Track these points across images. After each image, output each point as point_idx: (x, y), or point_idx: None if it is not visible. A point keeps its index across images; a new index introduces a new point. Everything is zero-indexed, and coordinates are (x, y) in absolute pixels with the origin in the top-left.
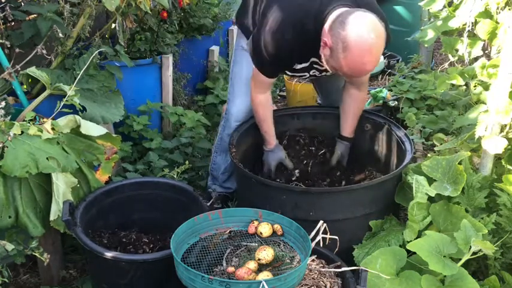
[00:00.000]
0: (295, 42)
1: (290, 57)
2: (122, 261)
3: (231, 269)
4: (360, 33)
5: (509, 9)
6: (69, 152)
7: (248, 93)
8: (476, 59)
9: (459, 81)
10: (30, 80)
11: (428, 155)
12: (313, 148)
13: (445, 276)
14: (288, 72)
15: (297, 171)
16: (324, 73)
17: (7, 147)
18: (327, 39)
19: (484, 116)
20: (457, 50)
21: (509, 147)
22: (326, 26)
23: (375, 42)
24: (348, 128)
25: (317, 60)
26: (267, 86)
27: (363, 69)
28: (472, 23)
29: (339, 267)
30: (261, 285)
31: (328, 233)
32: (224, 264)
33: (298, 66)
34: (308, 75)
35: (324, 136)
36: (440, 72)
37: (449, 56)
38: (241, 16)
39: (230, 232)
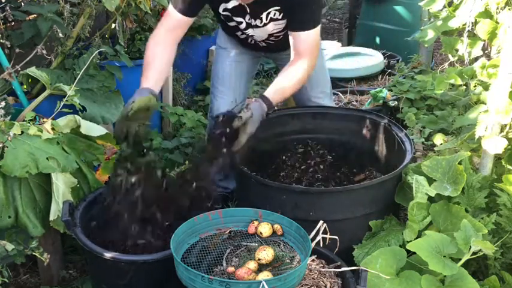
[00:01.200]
0: None
1: None
2: (122, 261)
3: (231, 269)
4: None
5: (509, 9)
6: (69, 152)
7: (225, 93)
8: (476, 59)
9: (458, 81)
10: (30, 80)
11: (428, 155)
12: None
13: (445, 276)
14: (225, 14)
15: None
16: (264, 30)
17: (7, 147)
18: None
19: (484, 116)
20: (457, 50)
21: (509, 147)
22: None
23: None
24: (270, 89)
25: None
26: (174, 24)
27: None
28: (472, 23)
29: (339, 267)
30: (261, 285)
31: (328, 233)
32: (224, 264)
33: (230, 5)
34: (245, 24)
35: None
36: (440, 72)
37: (449, 56)
38: None
39: (230, 232)
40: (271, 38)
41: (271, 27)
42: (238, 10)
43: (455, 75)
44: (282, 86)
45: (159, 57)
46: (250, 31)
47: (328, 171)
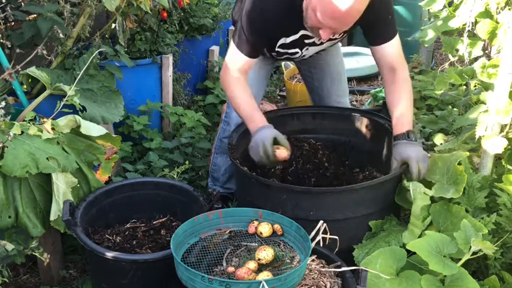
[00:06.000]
0: (281, 8)
1: (276, 27)
2: (123, 261)
3: (231, 269)
4: None
5: (509, 9)
6: (69, 152)
7: None
8: (476, 59)
9: (458, 80)
10: (30, 80)
11: (428, 155)
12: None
13: (445, 276)
14: (279, 50)
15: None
16: (318, 48)
17: (7, 147)
18: None
19: (484, 116)
20: (457, 50)
21: (509, 147)
22: None
23: None
24: (405, 120)
25: (307, 33)
26: (245, 68)
27: (345, 11)
28: (472, 23)
29: (339, 267)
30: (261, 285)
31: (328, 233)
32: (224, 264)
33: (288, 40)
34: (300, 53)
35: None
36: (440, 72)
37: (449, 56)
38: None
39: (230, 232)
40: (319, 52)
41: (326, 45)
42: (297, 42)
43: (455, 75)
44: (409, 111)
45: (251, 98)
46: (299, 54)
47: (329, 171)
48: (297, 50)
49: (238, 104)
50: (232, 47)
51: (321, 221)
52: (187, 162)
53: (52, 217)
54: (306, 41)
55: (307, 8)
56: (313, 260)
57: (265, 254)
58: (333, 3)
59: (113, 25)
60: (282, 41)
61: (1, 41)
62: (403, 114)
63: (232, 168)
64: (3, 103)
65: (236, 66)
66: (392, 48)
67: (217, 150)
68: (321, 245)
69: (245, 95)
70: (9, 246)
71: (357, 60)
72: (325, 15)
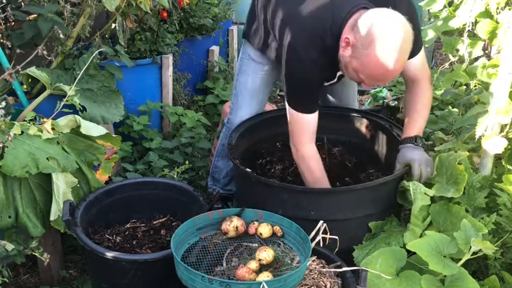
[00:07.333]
0: (322, 60)
1: (321, 77)
2: (123, 261)
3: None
4: (387, 27)
5: (509, 9)
6: (69, 152)
7: (252, 105)
8: (476, 59)
9: (466, 80)
10: (30, 80)
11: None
12: None
13: (445, 276)
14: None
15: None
16: None
17: (7, 147)
18: (350, 36)
19: (484, 116)
20: (457, 50)
21: (509, 147)
22: (348, 25)
23: (403, 38)
24: (417, 124)
25: (343, 73)
26: (314, 129)
27: (388, 69)
28: (472, 23)
29: (339, 267)
30: (261, 286)
31: (328, 233)
32: (224, 264)
33: (326, 84)
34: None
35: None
36: (442, 71)
37: (450, 56)
38: (250, 27)
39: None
40: None
41: None
42: (334, 83)
43: (462, 73)
44: (421, 118)
45: (324, 170)
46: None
47: (328, 171)
48: (333, 86)
49: (317, 178)
50: (295, 114)
51: (321, 221)
52: (187, 162)
53: (52, 217)
54: (342, 79)
55: (347, 67)
56: (313, 260)
57: (266, 254)
58: (377, 68)
59: (113, 25)
60: (326, 83)
61: (1, 41)
62: (414, 120)
63: (232, 168)
64: (3, 103)
65: (310, 131)
66: (417, 61)
67: (218, 154)
68: (321, 245)
69: (322, 170)
70: (9, 246)
71: None
72: (371, 78)
